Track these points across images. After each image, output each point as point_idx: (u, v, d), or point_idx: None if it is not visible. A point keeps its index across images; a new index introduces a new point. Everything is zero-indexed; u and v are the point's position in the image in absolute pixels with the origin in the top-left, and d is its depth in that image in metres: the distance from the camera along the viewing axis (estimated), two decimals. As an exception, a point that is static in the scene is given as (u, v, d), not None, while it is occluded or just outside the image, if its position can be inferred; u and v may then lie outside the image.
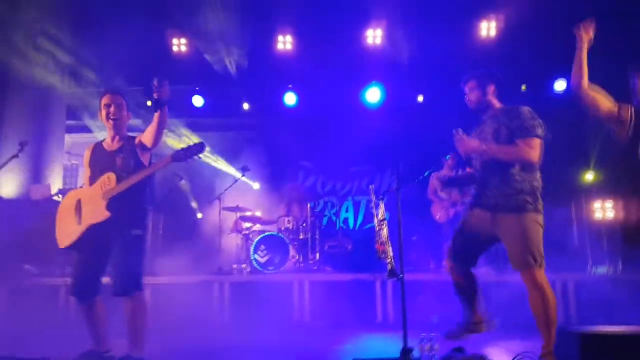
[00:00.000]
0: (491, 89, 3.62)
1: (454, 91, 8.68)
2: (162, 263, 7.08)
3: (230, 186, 7.17)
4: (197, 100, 8.90)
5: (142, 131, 3.38)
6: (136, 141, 3.34)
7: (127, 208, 3.19)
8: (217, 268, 6.65)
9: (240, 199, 7.46)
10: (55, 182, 7.66)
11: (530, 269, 3.10)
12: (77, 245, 3.26)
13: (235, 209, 7.21)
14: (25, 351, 3.70)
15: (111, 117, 3.31)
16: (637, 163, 3.07)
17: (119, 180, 3.18)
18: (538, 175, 3.30)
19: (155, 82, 3.09)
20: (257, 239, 6.68)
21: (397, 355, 3.32)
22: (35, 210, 6.77)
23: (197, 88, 8.90)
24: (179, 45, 8.52)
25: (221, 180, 7.79)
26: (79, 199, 3.31)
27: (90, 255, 3.26)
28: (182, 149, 3.19)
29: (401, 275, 3.42)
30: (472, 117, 8.53)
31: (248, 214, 7.31)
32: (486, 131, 3.45)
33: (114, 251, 3.18)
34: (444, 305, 5.69)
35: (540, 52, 8.09)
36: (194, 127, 9.87)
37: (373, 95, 8.43)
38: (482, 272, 6.11)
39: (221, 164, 9.07)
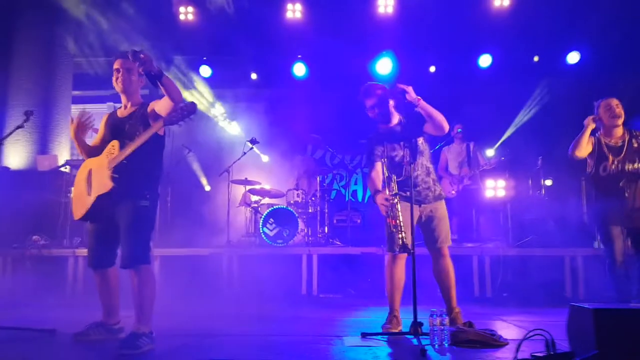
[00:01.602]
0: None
1: (466, 62, 8.58)
2: (170, 235, 7.10)
3: (238, 159, 7.09)
4: (205, 71, 8.76)
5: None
6: (149, 108, 3.21)
7: (132, 178, 3.08)
8: (226, 241, 6.63)
9: (249, 172, 7.39)
10: (62, 154, 7.63)
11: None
12: (89, 216, 3.20)
13: (244, 182, 7.14)
14: (32, 322, 3.71)
15: (119, 82, 3.22)
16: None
17: (121, 147, 3.09)
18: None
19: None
20: (266, 213, 6.63)
21: (407, 329, 3.28)
22: (42, 181, 6.77)
23: (204, 58, 8.75)
24: (186, 13, 8.33)
25: (229, 153, 7.69)
26: (90, 169, 3.25)
27: (101, 226, 3.23)
28: (173, 111, 2.99)
29: (412, 250, 3.34)
30: (484, 89, 8.36)
31: (257, 187, 7.25)
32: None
33: (121, 222, 3.09)
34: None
35: (553, 23, 7.85)
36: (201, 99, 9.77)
37: (384, 66, 8.23)
38: (492, 245, 6.12)
39: (229, 136, 8.97)
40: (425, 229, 3.78)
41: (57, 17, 7.51)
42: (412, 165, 3.51)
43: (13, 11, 7.71)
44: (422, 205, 3.71)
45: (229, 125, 9.18)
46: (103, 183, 3.08)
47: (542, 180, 6.94)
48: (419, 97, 3.53)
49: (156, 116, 3.15)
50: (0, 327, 3.39)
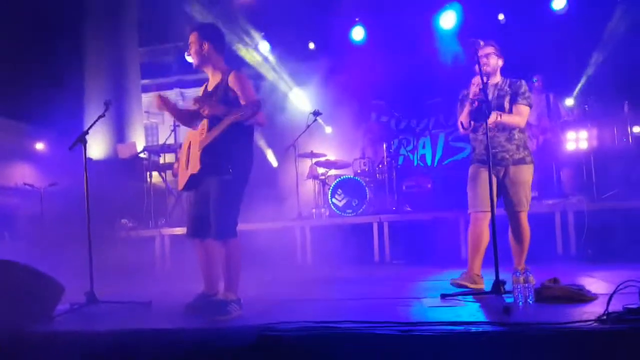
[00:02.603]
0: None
1: (538, 6, 7.96)
2: (244, 212, 7.32)
3: (303, 132, 7.14)
4: (263, 46, 8.81)
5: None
6: (230, 81, 3.18)
7: (217, 155, 3.13)
8: (297, 214, 6.77)
9: (314, 144, 7.44)
10: (139, 141, 8.07)
11: (524, 210, 3.70)
12: (187, 188, 3.36)
13: (310, 155, 7.21)
14: (129, 296, 4.01)
15: (189, 54, 3.30)
16: None
17: (209, 128, 3.14)
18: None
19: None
20: (333, 184, 6.67)
21: (489, 289, 3.21)
22: (124, 168, 7.22)
23: (262, 34, 8.79)
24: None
25: (293, 127, 7.76)
26: (190, 142, 3.34)
27: (197, 198, 3.35)
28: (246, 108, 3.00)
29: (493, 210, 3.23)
30: (559, 35, 7.71)
31: (323, 159, 7.29)
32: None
33: (210, 196, 3.19)
34: (533, 238, 5.46)
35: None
36: (261, 75, 9.88)
37: (448, 19, 7.79)
38: (575, 200, 5.78)
39: (292, 110, 9.02)
40: (502, 192, 3.74)
41: (122, 9, 7.84)
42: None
43: (80, 8, 8.13)
44: (498, 167, 3.67)
45: (290, 98, 9.24)
46: (194, 163, 3.21)
47: (630, 128, 6.41)
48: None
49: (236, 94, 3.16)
50: (102, 301, 3.69)
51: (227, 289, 3.19)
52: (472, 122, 3.74)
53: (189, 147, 3.33)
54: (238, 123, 3.05)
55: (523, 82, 3.75)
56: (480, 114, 3.51)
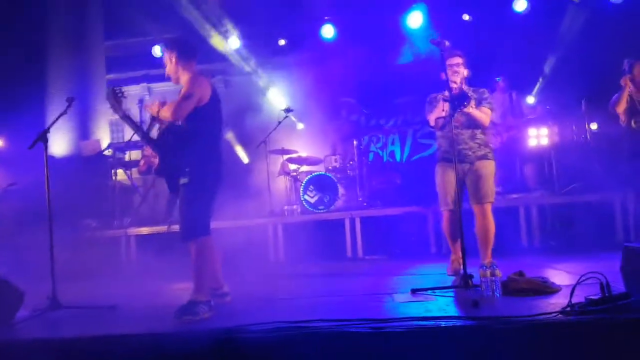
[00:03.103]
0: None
1: (501, 8, 8.15)
2: (214, 209, 7.23)
3: (274, 129, 7.10)
4: (234, 42, 8.69)
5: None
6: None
7: (172, 155, 3.23)
8: (268, 211, 6.72)
9: (286, 141, 7.40)
10: (103, 138, 7.85)
11: (489, 202, 3.87)
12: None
13: (281, 151, 7.17)
14: (93, 300, 3.91)
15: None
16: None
17: None
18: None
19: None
20: (305, 180, 6.67)
21: (458, 282, 3.27)
22: (88, 166, 7.00)
23: (231, 29, 8.66)
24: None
25: (264, 123, 7.71)
26: None
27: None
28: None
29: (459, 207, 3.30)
30: (521, 36, 7.93)
31: (294, 155, 7.27)
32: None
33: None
34: (498, 232, 5.60)
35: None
36: (233, 72, 9.76)
37: (415, 19, 7.89)
38: (537, 194, 5.96)
39: (263, 106, 8.95)
40: (468, 186, 3.94)
41: (88, 1, 7.60)
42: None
43: (44, 2, 7.85)
44: (463, 164, 3.85)
45: (261, 95, 9.17)
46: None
47: (587, 125, 6.64)
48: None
49: None
50: (65, 306, 3.58)
51: (196, 290, 3.16)
52: (442, 119, 3.87)
53: None
54: (196, 127, 3.18)
55: (486, 90, 4.05)
56: (459, 100, 3.65)
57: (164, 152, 3.28)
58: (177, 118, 3.22)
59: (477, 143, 3.92)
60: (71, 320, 3.42)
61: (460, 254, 3.68)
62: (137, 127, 3.44)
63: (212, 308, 3.13)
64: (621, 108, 4.83)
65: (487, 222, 3.85)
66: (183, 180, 3.20)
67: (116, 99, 3.34)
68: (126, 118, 3.39)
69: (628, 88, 4.75)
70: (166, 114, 3.21)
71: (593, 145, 6.52)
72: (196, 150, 3.22)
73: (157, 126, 3.42)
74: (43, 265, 3.79)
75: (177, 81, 3.37)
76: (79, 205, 6.42)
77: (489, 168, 3.90)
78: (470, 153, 3.89)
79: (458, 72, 3.87)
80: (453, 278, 3.89)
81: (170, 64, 3.33)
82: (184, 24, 8.53)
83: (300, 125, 8.59)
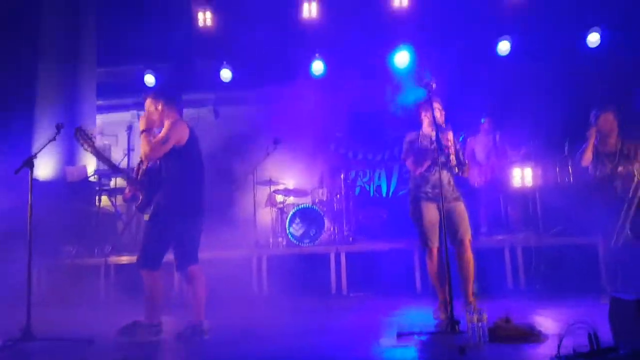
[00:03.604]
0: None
1: (486, 50, 8.41)
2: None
3: (262, 160, 7.10)
4: (226, 74, 8.79)
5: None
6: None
7: (153, 195, 3.61)
8: (254, 242, 6.66)
9: (273, 172, 7.40)
10: (90, 163, 7.76)
11: (470, 239, 4.07)
12: None
13: (268, 182, 7.16)
14: (69, 331, 3.78)
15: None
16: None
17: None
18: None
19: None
20: (291, 212, 6.63)
21: (444, 328, 3.24)
22: (72, 192, 6.89)
23: (224, 62, 8.78)
24: (204, 19, 8.38)
25: (252, 154, 7.72)
26: None
27: None
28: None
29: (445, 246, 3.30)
30: (505, 76, 8.15)
31: (281, 187, 7.26)
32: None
33: None
34: (483, 273, 5.60)
35: (572, 4, 7.63)
36: (224, 102, 9.82)
37: (402, 58, 8.10)
38: (522, 237, 6.00)
39: (251, 137, 8.98)
40: (448, 225, 3.96)
41: (79, 29, 7.64)
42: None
43: (37, 26, 7.87)
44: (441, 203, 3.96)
45: (250, 125, 9.20)
46: None
47: (570, 167, 6.76)
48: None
49: None
50: (39, 338, 3.45)
51: (145, 314, 3.55)
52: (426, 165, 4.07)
53: None
54: (172, 166, 3.53)
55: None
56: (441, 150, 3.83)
57: (146, 191, 3.60)
58: (151, 158, 3.57)
59: (452, 186, 4.14)
60: (44, 353, 3.29)
61: (447, 297, 3.71)
62: (110, 164, 3.77)
63: (156, 332, 3.54)
64: (586, 161, 4.85)
65: (469, 256, 4.01)
66: (144, 218, 3.62)
67: (84, 139, 3.62)
68: (99, 155, 3.70)
69: (592, 140, 4.76)
70: (144, 149, 3.50)
71: (576, 187, 6.61)
72: (169, 188, 3.55)
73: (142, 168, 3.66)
74: (20, 291, 3.68)
75: (162, 126, 3.65)
76: (60, 230, 6.30)
77: (463, 208, 4.13)
78: (448, 195, 4.04)
79: (442, 114, 4.12)
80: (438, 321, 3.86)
81: (157, 112, 3.64)
82: (175, 54, 8.64)
83: (288, 157, 8.61)
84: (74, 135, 3.61)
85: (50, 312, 5.09)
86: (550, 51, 8.26)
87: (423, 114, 4.21)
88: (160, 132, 3.60)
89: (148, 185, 3.59)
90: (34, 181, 3.79)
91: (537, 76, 8.20)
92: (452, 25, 7.96)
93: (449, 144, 3.98)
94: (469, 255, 4.00)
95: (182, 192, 3.55)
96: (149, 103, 3.68)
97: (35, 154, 3.76)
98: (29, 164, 3.69)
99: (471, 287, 3.94)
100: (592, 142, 4.78)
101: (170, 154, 3.53)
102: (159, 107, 3.65)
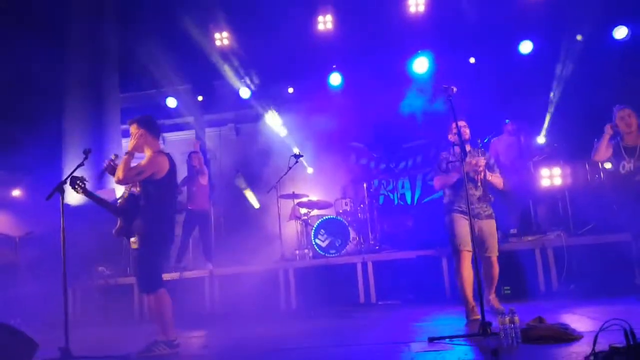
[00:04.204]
0: None
1: (507, 51, 8.33)
2: (226, 255, 7.25)
3: (285, 174, 7.16)
4: (244, 92, 8.95)
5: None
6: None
7: (132, 221, 3.79)
8: (280, 255, 6.70)
9: (296, 185, 7.46)
10: (118, 187, 7.95)
11: (496, 255, 4.39)
12: None
13: (292, 195, 7.21)
14: (105, 349, 3.87)
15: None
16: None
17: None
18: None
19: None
20: (316, 224, 6.66)
21: (476, 330, 3.20)
22: (102, 215, 7.06)
23: (242, 80, 8.94)
24: (222, 39, 8.58)
25: (275, 169, 7.80)
26: None
27: None
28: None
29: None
30: (528, 76, 8.05)
31: (304, 199, 7.30)
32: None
33: None
34: (513, 275, 5.49)
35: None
36: (243, 119, 9.99)
37: (421, 65, 8.08)
38: (553, 236, 5.87)
39: (273, 152, 9.10)
40: (478, 239, 4.25)
41: (102, 56, 7.90)
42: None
43: (61, 55, 8.18)
44: (476, 219, 4.28)
45: (271, 141, 9.33)
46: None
47: (600, 164, 6.61)
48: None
49: None
50: (76, 357, 3.55)
51: (162, 332, 3.74)
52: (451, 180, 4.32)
53: None
54: (150, 195, 3.76)
55: (487, 152, 4.65)
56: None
57: (124, 216, 3.82)
58: (121, 184, 3.86)
59: (485, 203, 4.34)
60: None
61: (472, 300, 4.07)
62: (102, 202, 4.00)
63: (174, 346, 3.70)
64: (599, 156, 4.82)
65: (494, 271, 4.36)
66: (133, 245, 3.75)
67: (79, 186, 3.85)
68: (91, 196, 3.94)
69: (607, 136, 4.68)
70: (119, 172, 3.72)
71: (608, 185, 6.46)
72: (148, 215, 3.78)
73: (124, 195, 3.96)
74: (58, 313, 3.79)
75: (143, 151, 3.88)
76: (93, 253, 6.48)
77: (494, 225, 4.41)
78: (481, 212, 4.32)
79: (466, 132, 4.31)
80: (470, 325, 3.84)
81: (141, 139, 3.83)
82: (195, 76, 8.83)
83: (310, 170, 8.68)
84: (70, 185, 3.85)
85: (86, 331, 5.22)
86: (573, 46, 8.13)
87: (450, 135, 4.41)
88: (142, 157, 3.91)
89: (127, 212, 3.84)
90: (65, 207, 3.91)
91: (561, 73, 8.08)
92: (471, 28, 7.92)
93: (479, 169, 4.21)
94: (495, 270, 4.35)
95: (160, 220, 3.82)
96: (134, 128, 3.87)
97: (66, 179, 3.89)
98: (60, 190, 3.82)
99: (494, 291, 4.33)
100: (606, 137, 4.71)
101: (150, 184, 3.77)
102: (142, 134, 3.85)
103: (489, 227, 4.35)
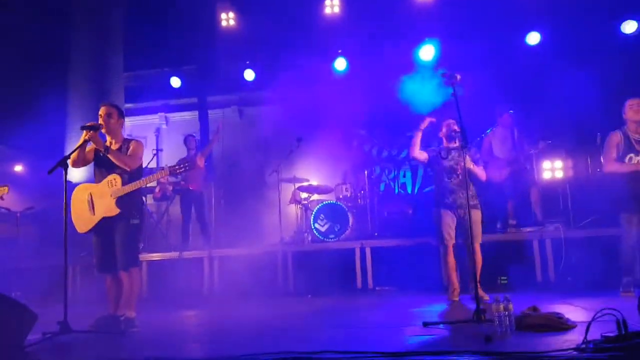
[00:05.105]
0: None
1: (514, 40, 8.24)
2: (226, 236, 7.29)
3: (286, 157, 7.17)
4: (249, 75, 8.90)
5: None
6: (130, 147, 4.10)
7: (129, 202, 3.96)
8: (279, 239, 6.74)
9: (297, 169, 7.46)
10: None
11: (479, 242, 4.67)
12: (94, 231, 4.03)
13: (293, 179, 7.23)
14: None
15: (102, 125, 4.05)
16: None
17: (123, 182, 3.93)
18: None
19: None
20: (316, 209, 6.68)
21: (470, 317, 3.22)
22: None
23: (247, 62, 8.88)
24: (227, 19, 8.51)
25: (276, 152, 7.80)
26: (90, 193, 4.05)
27: (105, 239, 4.03)
28: (176, 166, 4.06)
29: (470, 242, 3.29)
30: (534, 68, 7.98)
31: (305, 184, 7.31)
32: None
33: (117, 236, 3.97)
34: (510, 265, 5.52)
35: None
36: (247, 102, 9.95)
37: (427, 52, 8.00)
38: (552, 228, 5.88)
39: (275, 135, 9.08)
40: (463, 228, 4.62)
41: (107, 34, 7.86)
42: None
43: (65, 33, 8.14)
44: (459, 210, 4.65)
45: (273, 124, 9.30)
46: (110, 208, 3.93)
47: (602, 158, 6.59)
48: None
49: None
50: (75, 331, 3.59)
51: (129, 308, 3.94)
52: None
53: (90, 198, 4.02)
54: (138, 174, 4.05)
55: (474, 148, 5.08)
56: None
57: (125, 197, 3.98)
58: (129, 168, 4.01)
59: (470, 194, 4.44)
60: (80, 345, 3.42)
61: (457, 285, 4.62)
62: (112, 152, 4.05)
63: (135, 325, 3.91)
64: (613, 167, 4.78)
65: (478, 258, 4.53)
66: (135, 222, 3.99)
67: (90, 127, 3.92)
68: (98, 144, 4.01)
69: (614, 150, 4.70)
70: (129, 163, 3.98)
71: (609, 179, 6.45)
72: (140, 198, 4.20)
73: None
74: (57, 288, 3.84)
75: (113, 133, 4.13)
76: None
77: (478, 215, 4.66)
78: (464, 202, 4.48)
79: (455, 128, 4.64)
80: (452, 306, 4.28)
81: (113, 120, 4.10)
82: (200, 56, 8.78)
83: (312, 154, 8.66)
84: (81, 128, 3.93)
85: (86, 308, 5.28)
86: (582, 40, 8.05)
87: (440, 133, 4.97)
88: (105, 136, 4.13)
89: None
90: (69, 184, 3.92)
91: (568, 66, 8.00)
92: (479, 17, 7.83)
93: (457, 166, 4.64)
94: (478, 257, 4.52)
95: (140, 200, 4.22)
96: (108, 109, 4.11)
97: (70, 154, 3.90)
98: (63, 164, 3.83)
99: (478, 279, 4.37)
100: (613, 152, 4.72)
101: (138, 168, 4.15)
102: (115, 116, 4.13)
103: (474, 216, 4.43)
